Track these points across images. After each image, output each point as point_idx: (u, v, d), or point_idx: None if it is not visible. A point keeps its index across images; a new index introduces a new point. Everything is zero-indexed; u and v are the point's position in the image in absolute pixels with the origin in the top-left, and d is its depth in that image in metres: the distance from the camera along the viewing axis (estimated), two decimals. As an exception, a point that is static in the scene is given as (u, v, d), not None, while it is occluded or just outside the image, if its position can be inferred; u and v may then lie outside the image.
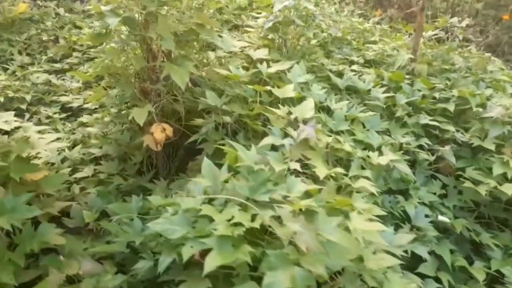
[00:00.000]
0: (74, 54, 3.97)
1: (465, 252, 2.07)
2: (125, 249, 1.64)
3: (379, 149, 1.98)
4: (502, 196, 2.04)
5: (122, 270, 1.65)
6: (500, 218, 2.22)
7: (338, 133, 2.02)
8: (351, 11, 5.01)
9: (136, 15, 1.99)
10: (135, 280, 1.54)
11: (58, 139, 2.29)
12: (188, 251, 1.20)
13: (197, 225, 1.33)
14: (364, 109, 2.27)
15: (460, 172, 2.19)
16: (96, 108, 3.00)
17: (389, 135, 2.24)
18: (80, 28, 4.40)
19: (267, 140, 1.68)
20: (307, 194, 1.39)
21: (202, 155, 2.10)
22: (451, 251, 1.94)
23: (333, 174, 1.62)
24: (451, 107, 2.47)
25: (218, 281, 1.28)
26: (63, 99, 3.29)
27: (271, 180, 1.42)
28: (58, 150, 2.40)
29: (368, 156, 1.85)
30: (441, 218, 1.97)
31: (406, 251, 1.64)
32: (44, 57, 4.01)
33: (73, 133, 2.86)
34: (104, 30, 1.99)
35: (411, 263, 1.78)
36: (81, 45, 4.02)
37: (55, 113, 3.17)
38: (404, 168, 1.91)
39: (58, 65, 3.88)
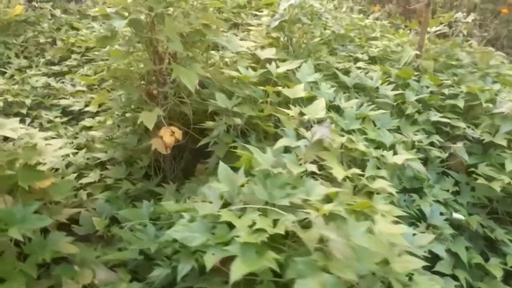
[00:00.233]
0: (73, 56, 3.91)
1: (479, 249, 2.06)
2: (138, 256, 1.61)
3: (392, 147, 1.96)
4: (515, 191, 2.04)
5: (135, 277, 1.62)
6: (513, 213, 2.22)
7: (349, 132, 1.99)
8: (350, 7, 4.97)
9: (142, 17, 1.95)
10: (151, 288, 1.51)
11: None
12: (210, 259, 1.17)
13: (216, 232, 1.30)
14: (373, 107, 2.25)
15: (472, 169, 2.17)
16: (98, 112, 2.95)
17: (400, 133, 2.22)
18: (77, 29, 4.34)
19: (283, 142, 1.65)
20: (327, 197, 1.36)
21: (212, 158, 2.06)
22: (466, 248, 1.94)
23: (349, 175, 1.59)
24: (460, 103, 2.45)
25: (240, 288, 1.26)
26: (64, 102, 3.24)
27: (289, 183, 1.39)
28: (62, 156, 2.35)
29: (382, 155, 1.83)
30: (456, 215, 1.96)
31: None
32: (42, 60, 3.94)
33: (76, 137, 2.81)
34: (110, 33, 1.95)
35: (426, 261, 1.76)
36: (79, 47, 3.96)
37: (56, 117, 3.12)
38: (419, 167, 1.89)
39: (56, 68, 3.82)
